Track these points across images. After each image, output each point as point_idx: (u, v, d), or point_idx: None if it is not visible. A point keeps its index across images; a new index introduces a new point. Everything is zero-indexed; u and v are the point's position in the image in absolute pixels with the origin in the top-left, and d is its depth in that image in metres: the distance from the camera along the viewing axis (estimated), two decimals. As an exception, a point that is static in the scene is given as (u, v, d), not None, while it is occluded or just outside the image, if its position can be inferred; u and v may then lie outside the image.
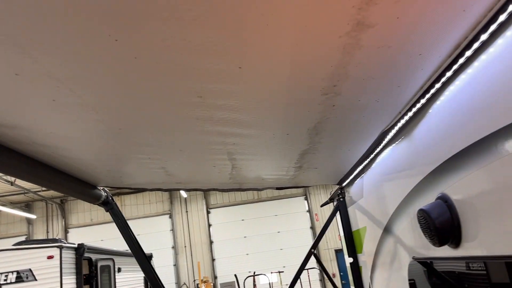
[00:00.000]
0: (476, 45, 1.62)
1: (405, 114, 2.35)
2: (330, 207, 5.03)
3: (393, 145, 2.85)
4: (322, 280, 18.77)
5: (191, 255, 19.25)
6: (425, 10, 1.42)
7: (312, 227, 19.88)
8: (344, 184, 4.32)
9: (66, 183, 3.11)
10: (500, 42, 1.58)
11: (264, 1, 1.30)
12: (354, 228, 4.41)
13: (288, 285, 4.28)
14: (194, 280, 18.92)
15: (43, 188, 16.64)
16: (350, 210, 4.45)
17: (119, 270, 12.97)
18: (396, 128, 2.58)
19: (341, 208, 4.54)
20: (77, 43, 1.50)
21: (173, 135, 2.55)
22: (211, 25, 1.41)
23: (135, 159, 3.13)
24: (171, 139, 2.65)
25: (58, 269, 9.66)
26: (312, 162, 3.46)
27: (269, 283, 16.37)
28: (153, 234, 18.65)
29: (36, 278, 9.61)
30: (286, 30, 1.45)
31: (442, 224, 2.10)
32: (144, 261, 3.68)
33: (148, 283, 13.79)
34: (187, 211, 19.79)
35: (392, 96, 2.13)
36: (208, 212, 19.99)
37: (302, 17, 1.39)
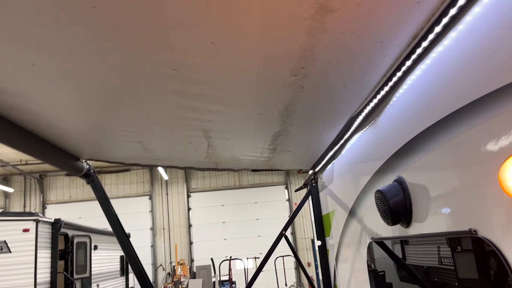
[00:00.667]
0: (431, 36, 1.75)
1: (371, 100, 2.48)
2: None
3: (361, 131, 3.00)
4: (297, 269, 19.13)
5: (169, 238, 19.37)
6: (382, -1, 1.54)
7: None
8: (317, 169, 4.47)
9: (49, 153, 3.17)
10: (453, 35, 1.71)
11: (233, -21, 1.40)
12: (324, 212, 4.58)
13: (259, 268, 4.43)
14: (171, 262, 19.07)
15: (22, 162, 16.47)
16: (322, 195, 4.62)
17: (96, 247, 13.00)
18: (363, 114, 2.71)
19: (313, 192, 4.70)
20: (56, 7, 1.57)
21: (149, 108, 2.64)
22: (184, -1, 1.50)
23: (113, 131, 3.20)
24: (147, 112, 2.73)
25: (33, 243, 9.66)
26: (285, 145, 3.59)
27: (245, 268, 16.63)
28: (132, 214, 18.67)
29: (11, 250, 9.60)
30: (254, 8, 1.55)
31: (395, 204, 2.25)
32: (123, 236, 3.72)
33: (125, 262, 13.84)
34: (167, 194, 19.84)
35: (358, 82, 2.26)
36: (188, 196, 20.08)
37: (270, -3, 1.50)
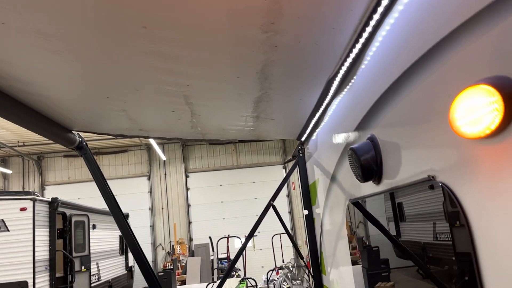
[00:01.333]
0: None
1: (345, 60, 2.49)
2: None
3: (340, 96, 3.01)
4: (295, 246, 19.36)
5: (168, 217, 19.56)
6: None
7: (289, 195, 20.33)
8: (303, 139, 4.50)
9: (41, 124, 3.21)
10: (416, -16, 1.71)
11: None
12: (310, 182, 4.63)
13: (247, 239, 4.52)
14: (170, 241, 19.31)
15: (20, 144, 16.51)
16: (308, 164, 4.66)
17: (94, 227, 13.17)
18: (340, 76, 2.72)
19: (300, 163, 4.75)
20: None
21: (125, 71, 2.65)
22: None
23: (96, 98, 3.22)
24: (124, 76, 2.74)
25: (31, 221, 9.79)
26: (268, 112, 3.61)
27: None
28: (131, 195, 18.81)
29: (9, 228, 9.74)
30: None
31: (367, 161, 2.29)
32: (118, 212, 3.72)
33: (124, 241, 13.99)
34: (165, 174, 19.94)
35: (329, 39, 2.27)
36: (186, 176, 20.19)
37: None
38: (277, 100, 3.27)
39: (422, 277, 2.85)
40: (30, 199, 9.94)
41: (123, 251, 15.75)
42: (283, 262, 17.21)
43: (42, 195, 13.79)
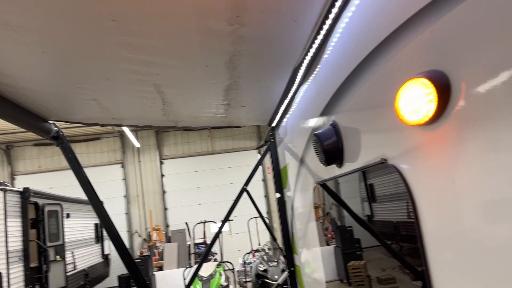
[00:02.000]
0: (350, -18, 1.88)
1: (308, 50, 2.62)
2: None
3: (306, 83, 3.15)
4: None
5: (143, 204, 19.51)
6: None
7: (264, 180, 20.59)
8: (273, 124, 4.64)
9: (16, 114, 3.20)
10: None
11: None
12: (281, 166, 4.79)
13: (223, 223, 4.66)
14: (146, 228, 19.31)
15: (-14, 133, 16.01)
16: (279, 149, 4.82)
17: (68, 216, 13.03)
18: (304, 65, 2.85)
19: (271, 148, 4.89)
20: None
21: (95, 61, 2.69)
22: None
23: (67, 88, 3.23)
24: (95, 67, 2.78)
25: (3, 212, 9.63)
26: (239, 100, 3.71)
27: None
28: (105, 183, 18.61)
29: (-21, 220, 9.55)
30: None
31: (329, 146, 2.44)
32: (96, 199, 3.74)
33: (99, 229, 13.93)
34: (139, 161, 19.80)
35: (293, 31, 2.38)
36: (161, 163, 20.11)
37: None
38: (246, 88, 3.38)
39: (391, 255, 3.07)
40: (1, 189, 9.74)
41: (98, 239, 15.66)
42: (259, 245, 17.56)
43: (13, 186, 13.49)
